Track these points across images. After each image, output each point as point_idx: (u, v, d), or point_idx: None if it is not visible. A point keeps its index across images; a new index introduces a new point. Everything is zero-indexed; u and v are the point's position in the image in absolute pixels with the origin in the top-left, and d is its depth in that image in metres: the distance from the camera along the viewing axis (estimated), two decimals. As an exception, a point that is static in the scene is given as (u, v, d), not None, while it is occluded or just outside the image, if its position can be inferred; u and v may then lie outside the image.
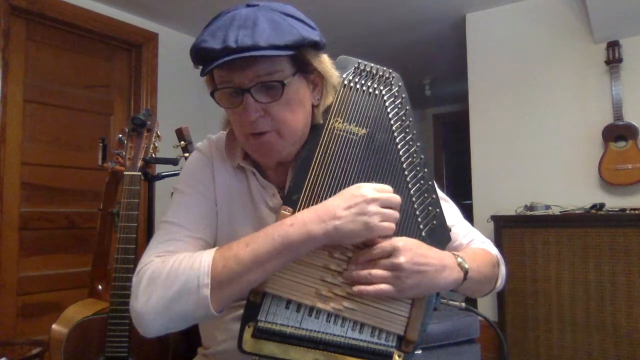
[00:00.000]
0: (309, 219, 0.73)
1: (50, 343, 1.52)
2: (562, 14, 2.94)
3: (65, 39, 2.91)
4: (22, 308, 2.62)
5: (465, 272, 0.80)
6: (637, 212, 2.40)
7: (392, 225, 0.76)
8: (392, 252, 0.75)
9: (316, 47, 0.80)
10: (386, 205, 0.75)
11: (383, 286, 0.74)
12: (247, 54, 0.71)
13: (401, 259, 0.74)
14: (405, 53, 4.00)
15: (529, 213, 2.71)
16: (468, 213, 1.01)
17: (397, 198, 0.77)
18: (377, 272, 0.74)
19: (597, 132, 2.73)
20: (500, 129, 3.11)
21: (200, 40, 0.75)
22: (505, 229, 2.69)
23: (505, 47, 3.13)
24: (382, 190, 0.76)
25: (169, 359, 1.52)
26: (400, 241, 0.76)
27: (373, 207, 0.74)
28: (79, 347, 1.46)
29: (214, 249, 0.76)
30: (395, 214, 0.76)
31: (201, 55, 0.75)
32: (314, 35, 0.78)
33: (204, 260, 0.73)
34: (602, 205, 2.57)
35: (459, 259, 0.81)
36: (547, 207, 2.73)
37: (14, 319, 2.58)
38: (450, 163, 5.87)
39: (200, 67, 0.77)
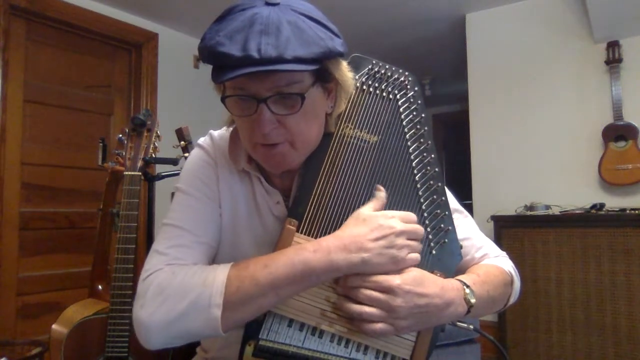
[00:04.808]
0: (334, 248, 0.69)
1: (50, 343, 1.52)
2: (562, 14, 2.94)
3: (65, 39, 2.91)
4: (22, 308, 2.62)
5: (470, 306, 0.75)
6: (637, 212, 2.39)
7: (419, 257, 0.73)
8: (387, 291, 0.70)
9: (339, 56, 0.75)
10: (413, 237, 0.72)
11: (380, 326, 0.70)
12: (271, 67, 0.65)
13: (397, 302, 0.69)
14: (405, 53, 4.00)
15: (529, 213, 2.71)
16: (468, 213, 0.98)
17: (421, 229, 0.74)
18: (371, 310, 0.70)
19: (597, 132, 2.73)
20: (500, 129, 3.11)
21: (216, 42, 0.68)
22: (505, 229, 2.69)
23: (505, 47, 3.13)
24: (408, 221, 0.73)
25: (169, 359, 1.52)
26: (398, 278, 0.70)
27: (401, 240, 0.70)
28: (79, 347, 1.46)
29: (228, 265, 0.71)
30: (421, 245, 0.73)
31: (216, 59, 0.69)
32: (339, 46, 0.72)
33: (218, 277, 0.69)
34: (602, 205, 2.57)
35: (467, 291, 0.76)
36: (547, 207, 2.73)
37: (13, 319, 2.58)
38: (450, 163, 5.87)
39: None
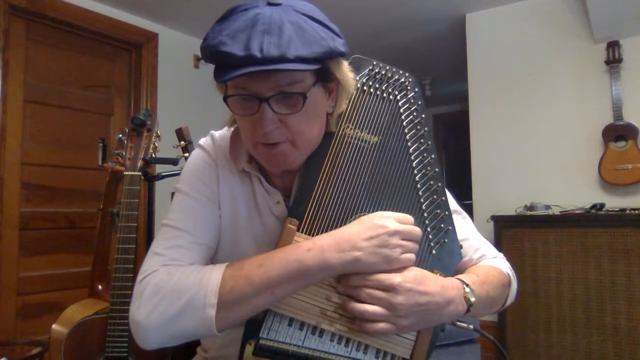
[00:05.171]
0: (328, 246, 0.70)
1: (50, 343, 1.52)
2: (562, 14, 2.94)
3: (65, 39, 2.91)
4: (22, 308, 2.62)
5: (469, 305, 0.76)
6: (637, 212, 2.39)
7: (413, 258, 0.73)
8: (388, 289, 0.70)
9: (340, 56, 0.76)
10: (407, 238, 0.72)
11: (381, 325, 0.70)
12: (273, 67, 0.66)
13: (398, 299, 0.70)
14: (405, 53, 4.00)
15: (529, 213, 2.71)
16: (468, 213, 0.99)
17: (418, 230, 0.74)
18: (373, 309, 0.70)
19: (597, 132, 2.73)
20: (500, 129, 3.11)
21: (218, 41, 0.69)
22: (505, 229, 2.69)
23: (505, 47, 3.13)
24: (404, 222, 0.73)
25: (169, 359, 1.52)
26: (399, 277, 0.71)
27: (395, 240, 0.71)
28: (79, 347, 1.46)
29: (223, 265, 0.72)
30: (416, 246, 0.74)
31: (218, 58, 0.70)
32: (340, 46, 0.73)
33: (213, 277, 0.70)
34: (602, 205, 2.57)
35: (467, 290, 0.76)
36: (547, 207, 2.73)
37: (14, 319, 2.58)
38: (450, 163, 5.87)
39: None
